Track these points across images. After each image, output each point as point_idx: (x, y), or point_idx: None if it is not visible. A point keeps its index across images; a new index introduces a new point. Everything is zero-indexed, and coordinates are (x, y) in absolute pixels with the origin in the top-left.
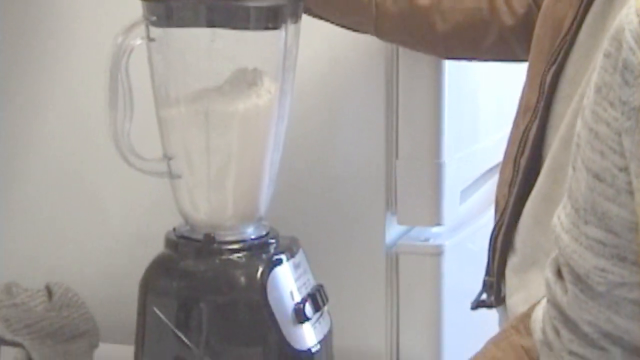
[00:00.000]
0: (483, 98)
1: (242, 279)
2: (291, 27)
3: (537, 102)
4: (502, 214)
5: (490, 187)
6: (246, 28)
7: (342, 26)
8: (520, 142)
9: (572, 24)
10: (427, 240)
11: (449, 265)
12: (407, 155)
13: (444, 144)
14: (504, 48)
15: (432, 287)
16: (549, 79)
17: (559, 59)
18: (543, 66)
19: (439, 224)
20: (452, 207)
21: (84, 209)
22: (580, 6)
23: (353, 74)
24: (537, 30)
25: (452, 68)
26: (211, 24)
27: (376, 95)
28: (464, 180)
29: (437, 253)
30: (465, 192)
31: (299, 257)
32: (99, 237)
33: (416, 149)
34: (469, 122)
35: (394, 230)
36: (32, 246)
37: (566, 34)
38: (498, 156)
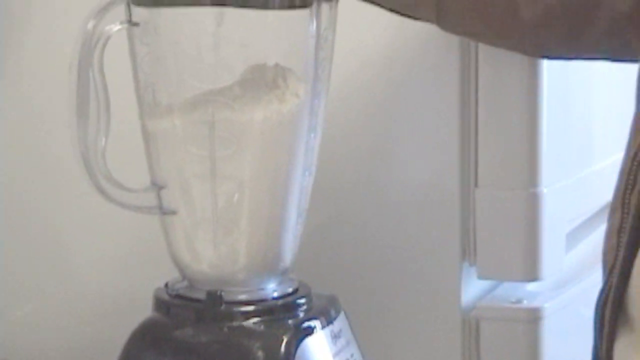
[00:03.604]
0: (598, 102)
1: (260, 354)
2: (325, 6)
3: None
4: (610, 275)
5: None
6: (264, 7)
7: (393, 11)
8: (629, 174)
9: None
10: (519, 301)
11: (550, 336)
12: (491, 182)
13: (541, 167)
14: (615, 42)
15: None
16: None
17: None
18: None
19: (536, 278)
20: (554, 255)
21: (43, 257)
22: None
23: (415, 70)
24: None
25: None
26: (217, 2)
27: (447, 100)
28: (571, 218)
29: (534, 319)
30: (574, 235)
31: (339, 323)
32: (63, 295)
33: (503, 173)
34: (579, 137)
35: (472, 288)
36: None
37: None
38: None
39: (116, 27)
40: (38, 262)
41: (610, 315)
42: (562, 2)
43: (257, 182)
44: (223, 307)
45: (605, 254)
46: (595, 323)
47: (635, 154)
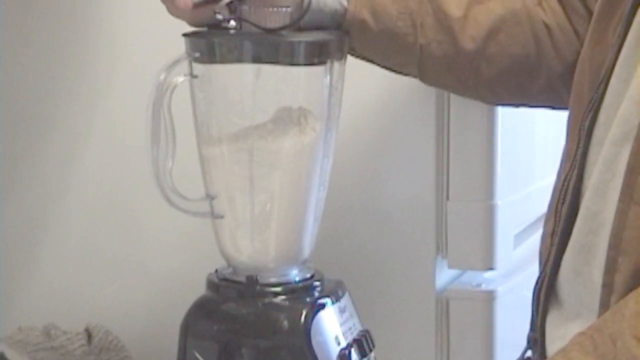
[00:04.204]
0: (539, 137)
1: (285, 323)
2: (336, 64)
3: (576, 149)
4: (545, 266)
5: None
6: (291, 64)
7: (386, 67)
8: (561, 191)
9: (607, 69)
10: (479, 285)
11: (502, 312)
12: (459, 197)
13: (497, 185)
14: (552, 95)
15: (484, 335)
16: (586, 125)
17: (595, 105)
18: (582, 113)
19: (491, 268)
20: (505, 251)
21: (126, 248)
22: (616, 50)
23: (403, 111)
24: (577, 76)
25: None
26: (255, 60)
27: (426, 134)
28: (518, 224)
29: (490, 299)
30: (520, 236)
31: (345, 300)
32: (140, 278)
33: (468, 190)
34: (524, 162)
35: (444, 275)
36: (72, 287)
37: (602, 80)
38: None
39: (181, 79)
40: (122, 254)
41: (544, 297)
42: (512, 64)
43: (284, 194)
44: (258, 287)
45: (541, 251)
46: (533, 302)
47: (565, 177)
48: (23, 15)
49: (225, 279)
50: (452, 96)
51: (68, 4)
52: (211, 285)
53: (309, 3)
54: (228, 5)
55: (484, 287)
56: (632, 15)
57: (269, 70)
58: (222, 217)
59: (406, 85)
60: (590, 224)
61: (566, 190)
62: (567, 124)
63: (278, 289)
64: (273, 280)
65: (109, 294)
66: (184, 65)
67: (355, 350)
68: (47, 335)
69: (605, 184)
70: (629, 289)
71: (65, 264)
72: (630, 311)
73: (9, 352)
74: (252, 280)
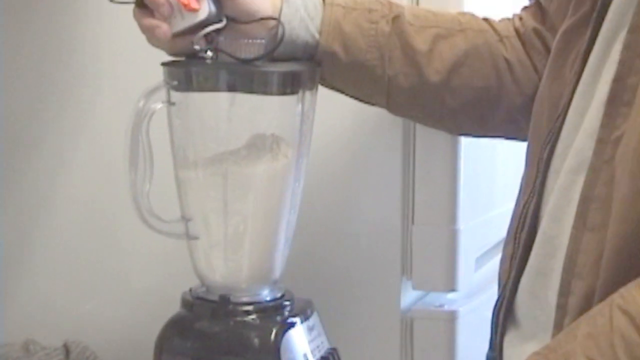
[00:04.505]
0: (499, 166)
1: (256, 341)
2: (308, 93)
3: (535, 178)
4: (504, 288)
5: None
6: (264, 93)
7: (355, 97)
8: (520, 218)
9: (564, 103)
10: (441, 306)
11: (463, 331)
12: (423, 221)
13: (459, 211)
14: (512, 126)
15: (446, 353)
16: (545, 156)
17: (553, 137)
18: (541, 144)
19: (453, 290)
20: (467, 273)
21: (104, 266)
22: (573, 86)
23: (371, 140)
24: (535, 109)
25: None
26: (231, 89)
27: (393, 161)
28: (479, 247)
29: (452, 319)
30: (481, 259)
31: (313, 319)
32: (118, 294)
33: (432, 214)
34: (485, 189)
35: (409, 295)
36: (51, 302)
37: (560, 114)
38: None
39: (159, 105)
40: (101, 270)
41: (502, 318)
42: (474, 97)
43: (256, 217)
44: (231, 306)
45: (500, 274)
46: (492, 322)
47: (524, 204)
48: (5, 40)
49: (199, 298)
50: (418, 126)
51: (54, 28)
52: (185, 303)
53: (283, 35)
54: (205, 36)
55: (446, 307)
56: (588, 53)
57: (243, 98)
58: (197, 238)
59: (374, 114)
60: (546, 249)
61: (525, 216)
62: (526, 154)
63: (249, 308)
64: (245, 299)
65: (88, 310)
66: (162, 92)
67: None
68: (26, 351)
69: (561, 210)
70: (582, 311)
71: (44, 279)
72: (582, 332)
73: None
74: (224, 300)
